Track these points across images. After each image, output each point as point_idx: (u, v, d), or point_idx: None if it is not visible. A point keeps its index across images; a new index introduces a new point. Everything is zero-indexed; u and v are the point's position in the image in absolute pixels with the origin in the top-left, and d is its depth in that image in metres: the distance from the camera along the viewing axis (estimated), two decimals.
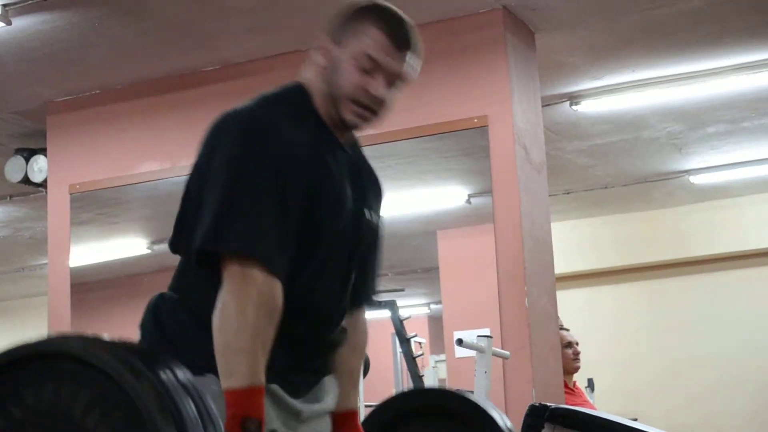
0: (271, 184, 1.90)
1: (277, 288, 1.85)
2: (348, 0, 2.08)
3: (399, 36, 1.99)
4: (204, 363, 1.89)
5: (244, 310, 1.87)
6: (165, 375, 1.69)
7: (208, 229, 1.87)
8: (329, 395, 2.09)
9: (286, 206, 1.91)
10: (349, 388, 2.21)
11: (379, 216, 2.14)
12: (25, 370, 1.70)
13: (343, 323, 2.13)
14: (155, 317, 2.01)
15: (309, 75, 2.04)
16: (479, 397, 3.20)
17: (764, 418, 7.28)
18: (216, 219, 1.88)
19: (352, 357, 2.20)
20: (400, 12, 1.95)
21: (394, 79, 1.98)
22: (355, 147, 2.10)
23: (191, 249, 1.90)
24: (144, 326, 2.03)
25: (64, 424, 1.68)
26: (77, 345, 1.71)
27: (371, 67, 1.96)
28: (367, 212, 2.05)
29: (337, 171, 1.95)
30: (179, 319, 2.02)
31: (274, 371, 1.91)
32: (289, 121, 1.94)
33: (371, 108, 1.97)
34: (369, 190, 2.10)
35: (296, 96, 2.01)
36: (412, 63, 1.98)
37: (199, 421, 1.68)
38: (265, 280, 1.87)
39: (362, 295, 2.16)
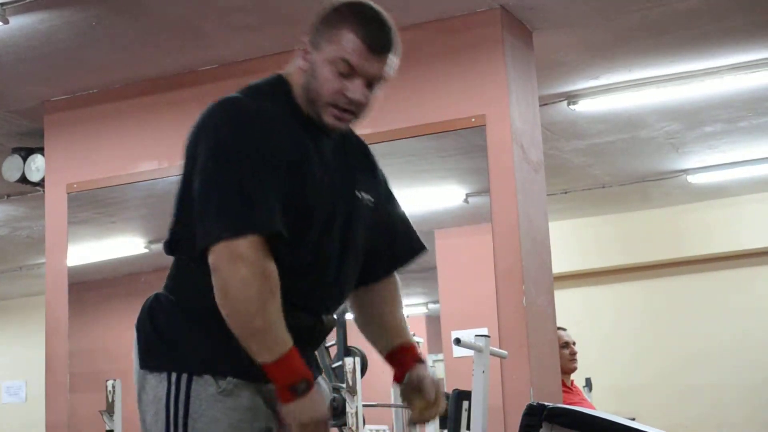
0: (256, 169, 1.98)
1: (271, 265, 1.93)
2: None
3: (375, 39, 2.02)
4: (200, 363, 1.96)
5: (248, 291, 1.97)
6: None
7: (220, 222, 1.96)
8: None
9: (273, 188, 1.97)
10: (399, 323, 2.30)
11: (376, 192, 2.21)
12: None
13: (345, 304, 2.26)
14: (151, 318, 2.04)
15: (291, 71, 2.10)
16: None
17: (760, 414, 7.45)
18: (225, 212, 1.98)
19: (392, 304, 2.32)
20: (377, 9, 1.99)
21: (372, 80, 2.01)
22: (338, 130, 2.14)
23: (199, 247, 1.94)
24: (140, 327, 2.05)
25: None
26: None
27: (348, 71, 2.00)
28: (359, 194, 2.09)
29: (317, 155, 2.01)
30: (175, 320, 2.04)
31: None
32: (270, 108, 2.01)
33: (350, 110, 2.02)
34: (359, 170, 2.15)
35: (277, 86, 2.06)
36: (390, 64, 2.02)
37: None
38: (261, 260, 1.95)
39: (390, 261, 2.26)
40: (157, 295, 2.10)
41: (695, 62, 5.49)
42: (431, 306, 5.74)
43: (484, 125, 4.67)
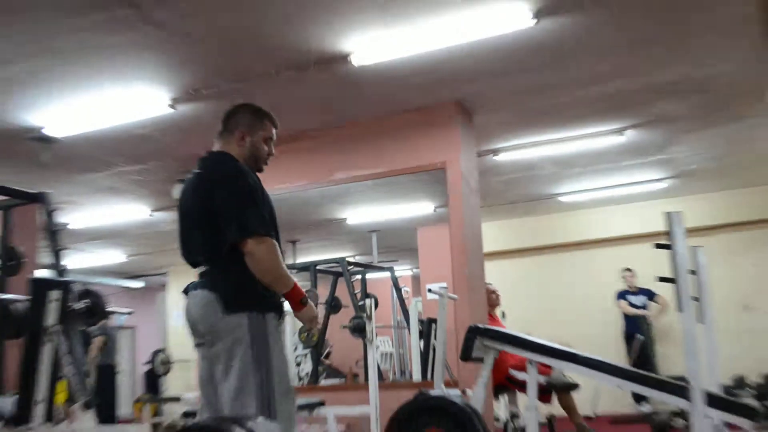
0: (261, 200, 2.09)
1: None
2: (241, 103, 2.31)
3: (276, 123, 2.30)
4: (238, 306, 2.00)
5: (277, 258, 2.05)
6: None
7: (244, 227, 2.00)
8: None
9: (267, 209, 2.11)
10: None
11: None
12: None
13: None
14: (219, 288, 2.02)
15: (231, 147, 2.19)
16: (455, 397, 3.22)
17: (605, 338, 7.62)
18: (249, 222, 2.01)
19: None
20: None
21: (273, 143, 2.29)
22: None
23: (232, 239, 1.99)
24: (216, 292, 2.01)
25: None
26: None
27: (269, 141, 2.25)
28: None
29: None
30: (222, 285, 2.03)
31: (272, 304, 2.07)
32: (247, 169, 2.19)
33: (269, 160, 2.27)
34: None
35: (233, 157, 2.18)
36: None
37: None
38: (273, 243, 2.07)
39: None
40: (199, 284, 2.08)
41: (569, 131, 5.70)
42: (414, 270, 6.22)
43: (445, 167, 4.90)
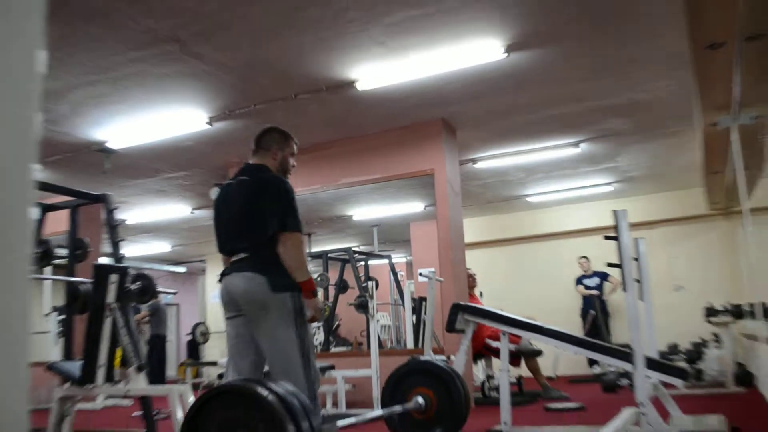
0: (295, 202, 2.19)
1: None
2: (270, 126, 2.36)
3: (297, 143, 2.38)
4: (283, 287, 2.08)
5: (302, 250, 2.17)
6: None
7: (286, 223, 2.11)
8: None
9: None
10: None
11: None
12: None
13: None
14: (268, 271, 2.08)
15: (267, 161, 2.27)
16: (433, 358, 3.22)
17: (565, 313, 7.54)
18: (289, 219, 2.12)
19: None
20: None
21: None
22: None
23: (272, 231, 2.06)
24: (263, 274, 2.07)
25: None
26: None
27: (293, 156, 2.33)
28: None
29: None
30: (269, 269, 2.09)
31: (294, 285, 2.13)
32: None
33: (293, 170, 2.36)
34: None
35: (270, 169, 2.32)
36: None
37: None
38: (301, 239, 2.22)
39: None
40: (257, 257, 2.11)
41: (536, 143, 5.68)
42: (408, 258, 6.00)
43: (433, 174, 4.92)
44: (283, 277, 2.06)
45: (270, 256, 2.08)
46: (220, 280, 2.18)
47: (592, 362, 6.90)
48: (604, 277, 7.54)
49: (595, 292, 7.46)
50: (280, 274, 2.06)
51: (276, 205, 2.07)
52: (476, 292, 5.33)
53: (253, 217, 2.10)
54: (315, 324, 6.21)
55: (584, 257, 7.64)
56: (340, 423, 2.14)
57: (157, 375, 7.09)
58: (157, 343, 7.45)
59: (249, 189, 2.14)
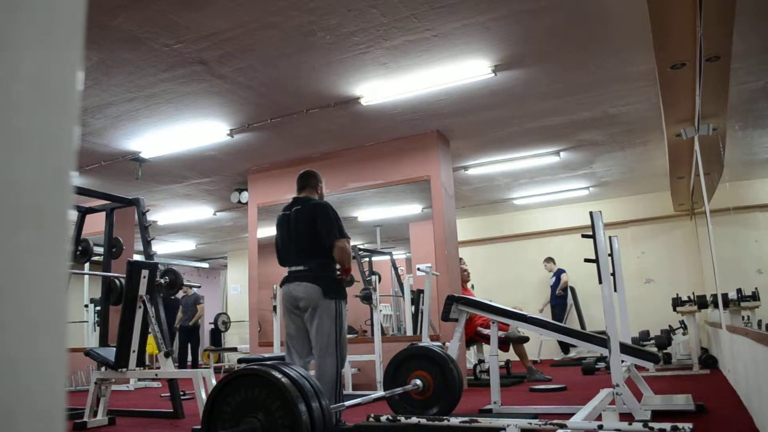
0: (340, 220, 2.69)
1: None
2: (307, 171, 2.76)
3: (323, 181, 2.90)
4: (331, 295, 2.52)
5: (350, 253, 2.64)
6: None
7: (337, 233, 2.54)
8: None
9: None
10: None
11: None
12: None
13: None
14: (321, 280, 2.50)
15: (313, 194, 2.72)
16: (432, 345, 3.13)
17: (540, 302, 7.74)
18: (339, 230, 2.56)
19: None
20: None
21: None
22: None
23: (329, 242, 2.49)
24: (318, 282, 2.49)
25: None
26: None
27: (323, 189, 2.80)
28: None
29: None
30: (321, 281, 2.52)
31: (345, 295, 2.56)
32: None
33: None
34: None
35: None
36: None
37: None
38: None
39: None
40: (313, 270, 2.52)
41: (518, 153, 5.70)
42: (408, 254, 5.68)
43: (430, 179, 4.89)
44: (332, 288, 2.49)
45: (323, 271, 2.51)
46: (281, 285, 2.60)
47: (566, 349, 6.88)
48: (559, 273, 7.50)
49: (557, 290, 7.45)
50: (330, 285, 2.50)
51: (329, 220, 2.53)
52: (469, 285, 5.26)
53: (314, 236, 2.53)
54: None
55: (548, 259, 7.60)
56: (347, 403, 2.15)
57: (181, 360, 7.08)
58: (187, 332, 7.39)
59: (307, 211, 2.58)
